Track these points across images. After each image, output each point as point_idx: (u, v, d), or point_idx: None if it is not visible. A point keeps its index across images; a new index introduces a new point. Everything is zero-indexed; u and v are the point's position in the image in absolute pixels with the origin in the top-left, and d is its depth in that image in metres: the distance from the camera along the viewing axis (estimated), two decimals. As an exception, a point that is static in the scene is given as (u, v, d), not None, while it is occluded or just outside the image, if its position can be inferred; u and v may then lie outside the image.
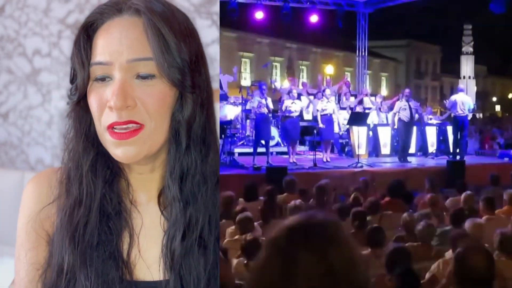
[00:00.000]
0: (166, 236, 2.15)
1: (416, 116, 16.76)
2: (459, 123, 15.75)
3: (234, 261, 5.37)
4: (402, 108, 15.35)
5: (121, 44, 2.07)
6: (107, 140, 2.09)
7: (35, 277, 2.18)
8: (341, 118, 15.38)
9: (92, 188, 2.14)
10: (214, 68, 4.02)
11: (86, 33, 2.14)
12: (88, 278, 2.08)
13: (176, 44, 2.10)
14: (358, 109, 15.68)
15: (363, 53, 21.19)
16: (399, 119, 15.38)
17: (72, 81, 2.20)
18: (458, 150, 15.51)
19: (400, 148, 15.30)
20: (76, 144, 2.20)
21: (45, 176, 2.32)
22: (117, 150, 2.07)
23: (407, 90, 16.51)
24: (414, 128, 16.39)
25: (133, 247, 2.17)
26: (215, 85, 3.80)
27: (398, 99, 16.33)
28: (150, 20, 2.07)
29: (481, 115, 43.29)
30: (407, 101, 15.62)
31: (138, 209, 2.23)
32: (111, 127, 2.05)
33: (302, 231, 1.43)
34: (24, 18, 4.99)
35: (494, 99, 62.69)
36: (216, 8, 4.03)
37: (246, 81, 31.19)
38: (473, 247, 3.42)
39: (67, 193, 2.19)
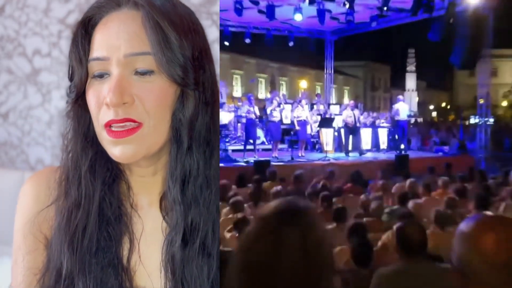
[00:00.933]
0: (166, 240, 1.77)
1: (369, 121, 16.92)
2: (400, 126, 15.85)
3: (228, 235, 5.39)
4: (349, 116, 15.31)
5: (118, 38, 1.71)
6: (105, 139, 1.72)
7: (33, 282, 1.80)
8: (313, 122, 15.40)
9: (91, 190, 1.77)
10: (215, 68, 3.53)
11: (84, 29, 1.78)
12: (87, 286, 1.72)
13: (177, 39, 1.72)
14: (327, 115, 15.73)
15: (330, 71, 21.19)
16: (346, 125, 15.32)
17: (70, 78, 1.83)
18: (402, 146, 15.57)
19: (345, 146, 15.27)
20: (74, 144, 1.82)
21: (43, 176, 1.92)
22: (115, 149, 1.70)
23: (351, 102, 16.57)
24: (370, 130, 16.54)
25: (134, 253, 1.79)
26: None
27: (345, 109, 16.41)
28: (149, 13, 1.71)
29: (421, 119, 43.38)
30: (352, 110, 15.59)
31: (139, 213, 1.84)
32: (108, 125, 1.69)
33: (284, 211, 1.46)
34: (24, 18, 4.33)
35: (432, 107, 62.80)
36: (216, 8, 3.43)
37: (237, 92, 31.03)
38: (410, 222, 3.48)
39: (66, 194, 1.81)
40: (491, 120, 18.36)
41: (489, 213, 1.55)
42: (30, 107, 4.74)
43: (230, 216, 6.25)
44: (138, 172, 1.84)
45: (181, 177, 1.75)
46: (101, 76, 1.72)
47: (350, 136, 15.38)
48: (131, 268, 1.78)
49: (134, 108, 1.68)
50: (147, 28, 1.70)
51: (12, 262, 1.87)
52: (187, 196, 1.75)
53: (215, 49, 3.38)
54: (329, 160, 13.77)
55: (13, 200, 1.94)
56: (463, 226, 1.47)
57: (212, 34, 3.36)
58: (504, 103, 52.74)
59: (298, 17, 14.89)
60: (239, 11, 13.94)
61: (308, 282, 1.44)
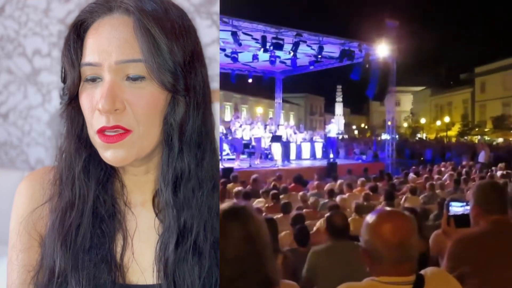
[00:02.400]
0: (160, 243, 1.47)
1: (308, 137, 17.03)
2: (331, 141, 15.91)
3: None
4: (284, 133, 15.32)
5: (110, 44, 1.40)
6: (97, 143, 1.43)
7: (27, 279, 1.51)
8: (267, 138, 15.38)
9: (85, 190, 1.47)
10: (213, 68, 2.92)
11: (76, 33, 1.47)
12: (80, 283, 1.43)
13: (168, 45, 1.41)
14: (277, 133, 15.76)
15: (279, 101, 21.26)
16: (283, 141, 15.20)
17: (63, 81, 1.53)
18: (332, 156, 15.69)
19: (283, 155, 15.10)
20: (68, 145, 1.51)
21: (37, 176, 1.59)
22: (106, 153, 1.42)
23: (286, 123, 16.67)
24: (308, 144, 16.64)
25: (127, 250, 1.49)
26: (215, 85, 2.88)
27: (286, 128, 16.49)
28: (139, 20, 1.40)
29: (346, 136, 43.89)
30: (285, 128, 15.74)
31: (132, 211, 1.53)
32: (100, 131, 1.41)
33: (228, 211, 1.42)
34: (24, 18, 3.56)
35: (354, 127, 63.78)
36: (216, 8, 2.82)
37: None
38: (335, 212, 3.48)
39: (60, 195, 1.50)
40: (396, 136, 18.66)
41: (387, 208, 1.60)
42: (30, 107, 3.89)
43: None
44: (131, 171, 1.53)
45: (172, 180, 1.45)
46: (93, 80, 1.42)
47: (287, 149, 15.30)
48: (124, 265, 1.47)
49: (125, 115, 1.39)
50: (138, 35, 1.39)
51: (8, 260, 1.56)
52: (179, 198, 1.45)
53: (215, 49, 2.85)
54: (278, 167, 13.78)
55: (13, 200, 1.65)
56: (368, 218, 1.53)
57: (212, 34, 2.84)
58: (405, 125, 53.78)
59: (255, 62, 14.96)
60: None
61: (254, 263, 1.39)
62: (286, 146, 15.05)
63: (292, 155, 15.52)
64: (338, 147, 18.49)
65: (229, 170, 11.69)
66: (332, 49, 14.53)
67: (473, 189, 2.31)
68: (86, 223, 1.44)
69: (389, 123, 16.89)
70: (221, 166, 12.67)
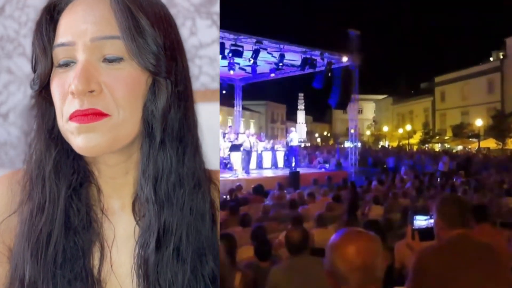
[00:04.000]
0: (139, 243, 1.36)
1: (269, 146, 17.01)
2: (293, 150, 15.97)
3: None
4: (245, 141, 15.24)
5: (85, 21, 1.29)
6: (68, 131, 1.30)
7: None
8: (225, 147, 15.25)
9: (55, 192, 1.34)
10: (214, 68, 2.87)
11: (50, 15, 1.39)
12: None
13: (149, 26, 1.31)
14: (236, 142, 15.64)
15: (239, 108, 21.25)
16: (244, 149, 15.07)
17: (34, 69, 1.40)
18: (294, 165, 15.72)
19: (245, 165, 14.95)
20: (38, 142, 1.39)
21: (4, 181, 1.47)
22: (78, 138, 1.28)
23: (247, 131, 16.65)
24: (270, 152, 16.61)
25: (105, 263, 1.38)
26: (215, 85, 2.78)
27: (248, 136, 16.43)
28: None
29: (309, 144, 44.26)
30: (248, 137, 15.39)
31: (110, 218, 1.41)
32: (73, 117, 1.28)
33: None
34: (24, 18, 3.61)
35: (316, 135, 64.51)
36: (216, 8, 2.79)
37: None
38: (293, 228, 3.43)
39: (29, 197, 1.38)
40: (359, 144, 18.90)
41: (351, 228, 1.57)
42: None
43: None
44: (108, 173, 1.42)
45: (153, 174, 1.36)
46: (66, 64, 1.30)
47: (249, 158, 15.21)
48: (102, 279, 1.37)
49: (102, 98, 1.28)
50: (116, 11, 1.29)
51: None
52: (160, 195, 1.36)
53: (215, 49, 2.90)
54: (237, 176, 13.67)
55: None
56: (332, 238, 1.48)
57: (212, 34, 2.83)
58: (368, 132, 54.72)
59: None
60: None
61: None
62: (248, 154, 14.96)
63: (253, 164, 15.43)
64: (301, 155, 18.56)
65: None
66: (293, 57, 14.64)
67: (437, 203, 2.35)
68: (58, 231, 1.33)
69: (352, 131, 17.11)
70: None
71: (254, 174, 14.81)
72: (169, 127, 1.37)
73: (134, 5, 1.31)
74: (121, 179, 1.42)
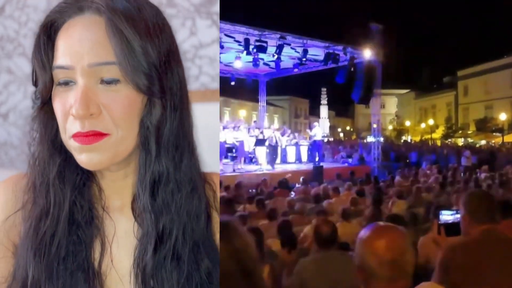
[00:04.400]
0: (138, 249, 1.41)
1: (293, 141, 16.99)
2: (317, 144, 15.93)
3: None
4: (271, 137, 15.28)
5: (81, 46, 1.33)
6: (72, 147, 1.36)
7: None
8: (250, 142, 15.31)
9: (61, 197, 1.39)
10: (214, 68, 2.83)
11: (47, 34, 1.39)
12: None
13: (141, 46, 1.35)
14: (260, 136, 15.69)
15: (263, 103, 21.19)
16: (269, 144, 15.21)
17: (34, 84, 1.45)
18: (317, 159, 15.69)
19: (270, 159, 15.03)
20: (41, 150, 1.43)
21: (10, 183, 1.52)
22: (81, 156, 1.35)
23: (273, 126, 16.68)
24: (294, 147, 16.59)
25: (105, 257, 1.43)
26: (215, 85, 2.76)
27: (273, 130, 16.43)
28: (111, 20, 1.33)
29: (332, 139, 44.07)
30: (273, 132, 15.63)
31: (110, 216, 1.47)
32: (75, 137, 1.34)
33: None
34: (24, 18, 3.55)
35: (339, 129, 64.09)
36: (216, 8, 2.75)
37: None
38: (322, 222, 3.42)
39: (33, 202, 1.42)
40: (381, 139, 18.74)
41: (380, 223, 1.55)
42: (30, 107, 3.36)
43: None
44: (109, 176, 1.48)
45: (150, 184, 1.40)
46: (66, 83, 1.36)
47: (273, 152, 15.24)
48: (103, 272, 1.42)
49: (101, 120, 1.33)
50: (110, 36, 1.33)
51: None
52: (158, 203, 1.40)
53: (215, 49, 2.83)
54: (262, 170, 13.69)
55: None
56: (361, 233, 1.48)
57: (212, 34, 2.79)
58: (390, 127, 54.18)
59: (237, 64, 14.90)
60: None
61: (240, 279, 1.36)
62: (274, 149, 14.99)
63: (277, 159, 15.44)
64: (324, 150, 18.50)
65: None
66: (316, 52, 14.56)
67: (464, 198, 2.32)
68: (61, 231, 1.38)
69: (375, 125, 16.97)
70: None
71: (278, 168, 14.79)
72: (165, 138, 1.41)
73: (127, 27, 1.34)
74: (121, 182, 1.48)
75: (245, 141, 14.71)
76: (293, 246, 4.10)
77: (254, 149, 15.26)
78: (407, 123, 51.38)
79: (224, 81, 19.06)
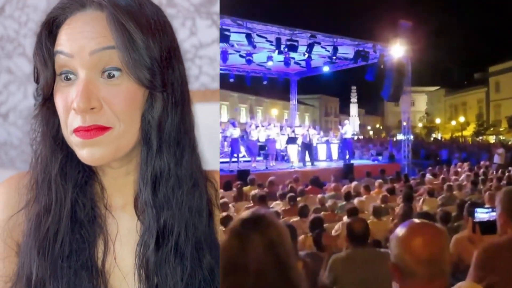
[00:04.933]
0: (139, 244, 1.40)
1: (324, 139, 16.90)
2: (347, 142, 15.79)
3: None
4: (304, 135, 15.21)
5: (83, 37, 1.32)
6: (73, 142, 1.34)
7: None
8: (282, 140, 15.27)
9: (62, 194, 1.37)
10: (214, 68, 2.79)
11: (48, 30, 1.39)
12: None
13: (143, 40, 1.34)
14: (292, 135, 15.66)
15: (294, 102, 21.09)
16: (302, 142, 15.14)
17: (36, 81, 1.44)
18: (347, 157, 15.56)
19: (303, 157, 14.93)
20: (43, 147, 1.42)
21: (13, 182, 1.50)
22: (83, 151, 1.33)
23: (306, 124, 16.62)
24: (324, 145, 16.50)
25: (108, 255, 1.41)
26: (215, 85, 2.70)
27: (308, 128, 16.34)
28: (113, 15, 1.32)
29: (362, 137, 43.69)
30: (307, 130, 15.49)
31: (113, 214, 1.45)
32: (76, 131, 1.32)
33: (248, 220, 1.37)
34: (24, 18, 3.47)
35: (369, 127, 63.48)
36: (216, 8, 2.73)
37: (224, 118, 30.72)
38: (355, 219, 3.39)
39: (35, 200, 1.41)
40: (411, 137, 18.46)
41: (416, 220, 1.48)
42: (30, 107, 3.10)
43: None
44: (111, 174, 1.45)
45: (152, 179, 1.39)
46: (67, 78, 1.34)
47: (305, 150, 15.20)
48: (106, 271, 1.40)
49: (103, 114, 1.32)
50: (112, 29, 1.32)
51: None
52: (159, 198, 1.39)
53: (215, 49, 2.78)
54: (294, 168, 13.66)
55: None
56: (397, 230, 1.42)
57: (212, 34, 2.75)
58: (420, 125, 53.40)
59: (269, 63, 14.91)
60: (225, 57, 13.88)
61: (278, 273, 1.34)
62: (309, 147, 14.94)
63: (308, 157, 15.38)
64: (354, 148, 18.34)
65: (245, 172, 11.66)
66: (346, 50, 14.43)
67: (500, 195, 2.23)
68: (64, 228, 1.36)
69: (405, 123, 16.72)
70: (237, 168, 12.62)
71: (309, 166, 14.72)
72: (166, 133, 1.39)
73: (129, 21, 1.33)
74: (123, 179, 1.46)
75: (277, 139, 14.69)
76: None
77: (286, 147, 15.24)
78: (437, 121, 50.54)
79: (257, 80, 19.10)
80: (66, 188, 1.38)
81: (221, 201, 6.26)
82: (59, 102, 1.36)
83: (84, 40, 1.32)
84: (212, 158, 1.59)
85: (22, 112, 3.64)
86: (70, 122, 1.33)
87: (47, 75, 1.37)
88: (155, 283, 1.38)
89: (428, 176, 10.74)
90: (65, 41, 1.35)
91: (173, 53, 1.44)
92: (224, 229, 4.98)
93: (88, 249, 1.38)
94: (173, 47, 1.45)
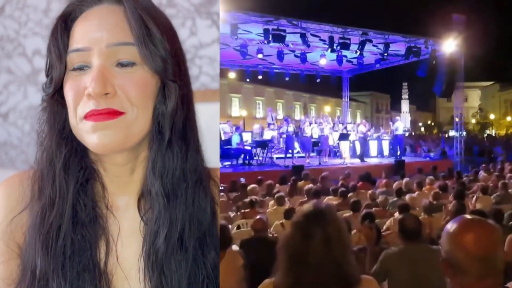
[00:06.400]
0: (148, 233, 1.36)
1: (375, 135, 16.62)
2: (398, 138, 15.48)
3: (274, 223, 5.09)
4: (363, 131, 15.02)
5: (100, 29, 1.31)
6: (82, 129, 1.30)
7: None
8: (334, 136, 15.11)
9: (65, 188, 1.34)
10: (214, 67, 2.69)
11: (64, 23, 1.36)
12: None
13: (159, 33, 1.35)
14: (344, 131, 15.50)
15: (346, 99, 20.84)
16: (360, 137, 15.11)
17: (47, 73, 1.40)
18: (399, 153, 15.24)
19: (361, 153, 14.83)
20: (49, 141, 1.38)
21: (14, 182, 1.45)
22: (93, 136, 1.28)
23: (363, 121, 16.40)
24: (376, 141, 16.23)
25: (110, 256, 1.37)
26: (215, 85, 2.65)
27: (359, 125, 16.11)
28: (132, 7, 1.33)
29: (413, 133, 42.55)
30: (364, 126, 15.35)
31: (115, 214, 1.40)
32: (88, 116, 1.29)
33: (312, 214, 1.41)
34: (24, 18, 3.34)
35: (420, 124, 61.70)
36: (216, 8, 2.66)
37: (280, 115, 30.80)
38: (408, 215, 3.34)
39: (40, 193, 1.37)
40: (464, 133, 17.84)
41: (468, 216, 1.40)
42: (30, 107, 3.48)
43: (275, 207, 6.12)
44: (114, 172, 1.41)
45: (161, 171, 1.36)
46: (80, 68, 1.33)
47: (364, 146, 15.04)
48: (109, 271, 1.36)
49: (117, 98, 1.30)
50: (130, 20, 1.32)
51: None
52: (167, 189, 1.37)
53: (215, 49, 2.66)
54: (346, 164, 13.53)
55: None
56: (448, 227, 1.34)
57: (212, 34, 2.65)
58: (473, 121, 51.38)
59: (322, 61, 14.79)
60: (280, 57, 13.91)
61: (334, 264, 1.37)
62: (365, 142, 14.71)
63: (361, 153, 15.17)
64: (405, 144, 17.92)
65: (299, 167, 11.66)
66: (398, 46, 14.11)
67: None
68: (67, 224, 1.33)
69: (457, 119, 16.17)
70: (292, 164, 12.64)
71: (359, 161, 14.52)
72: (176, 127, 1.38)
73: (146, 14, 1.34)
74: (127, 177, 1.42)
75: (329, 135, 14.61)
76: (377, 238, 4.05)
77: (338, 143, 15.10)
78: (491, 116, 48.48)
79: (310, 78, 19.03)
80: (68, 183, 1.35)
81: (277, 195, 6.32)
82: (69, 90, 1.34)
83: (101, 32, 1.32)
84: (212, 158, 1.57)
85: (22, 112, 3.55)
86: (82, 108, 1.31)
87: (61, 66, 1.35)
88: (160, 279, 1.35)
89: (482, 173, 10.36)
90: (81, 36, 1.34)
91: (180, 53, 1.46)
92: (283, 221, 5.02)
93: (90, 250, 1.35)
94: (180, 48, 1.47)
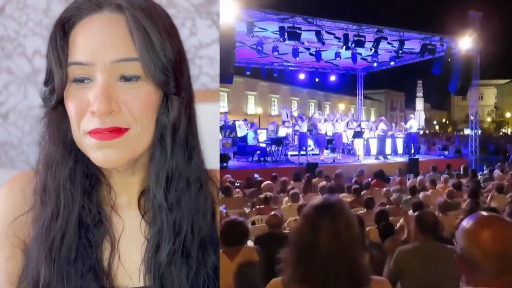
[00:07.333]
0: (149, 246, 1.36)
1: (389, 133, 16.51)
2: (412, 137, 15.39)
3: (288, 219, 5.11)
4: (383, 129, 14.98)
5: (103, 43, 1.25)
6: (87, 144, 1.28)
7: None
8: (349, 134, 15.04)
9: (70, 200, 1.32)
10: (214, 67, 2.66)
11: (62, 30, 1.29)
12: None
13: (161, 41, 1.29)
14: (358, 129, 15.42)
15: (360, 97, 20.73)
16: (378, 134, 15.03)
17: (47, 82, 1.35)
18: (413, 151, 15.10)
19: (379, 151, 14.78)
20: (53, 152, 1.35)
21: (18, 182, 1.44)
22: (98, 153, 1.26)
23: (383, 119, 16.30)
24: (390, 139, 16.11)
25: (115, 255, 1.37)
26: (215, 85, 2.63)
27: (379, 123, 15.98)
28: (134, 17, 1.26)
29: (427, 131, 42.16)
30: (385, 124, 15.29)
31: (119, 213, 1.40)
32: (92, 133, 1.26)
33: (320, 206, 1.41)
34: (24, 18, 3.29)
35: (435, 122, 61.09)
36: (217, 8, 2.62)
37: (294, 113, 30.73)
38: (425, 212, 3.30)
39: (43, 203, 1.34)
40: (479, 131, 17.61)
41: (484, 212, 1.37)
42: (30, 107, 3.44)
43: (289, 204, 6.12)
44: (117, 175, 1.40)
45: (165, 181, 1.35)
46: (82, 80, 1.27)
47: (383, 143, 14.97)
48: (113, 271, 1.36)
49: (121, 116, 1.26)
50: (133, 33, 1.26)
51: None
52: (170, 200, 1.35)
53: (215, 49, 2.62)
54: (360, 161, 13.49)
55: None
56: (464, 223, 1.32)
57: (212, 34, 2.62)
58: (488, 119, 50.78)
59: (337, 60, 14.74)
60: (295, 54, 13.88)
61: (343, 258, 1.37)
62: (383, 140, 14.70)
63: (373, 151, 15.07)
64: (419, 142, 17.76)
65: (313, 165, 11.64)
66: (413, 44, 13.97)
67: None
68: (71, 233, 1.31)
69: (472, 117, 15.97)
70: (305, 161, 12.62)
71: (373, 160, 14.45)
72: (179, 136, 1.36)
73: (148, 23, 1.28)
74: (129, 179, 1.41)
75: (343, 133, 14.54)
76: (390, 234, 4.04)
77: (352, 141, 15.03)
78: (507, 115, 47.77)
79: (325, 76, 18.95)
80: (74, 194, 1.33)
81: (292, 191, 6.32)
82: (72, 103, 1.29)
83: (105, 46, 1.26)
84: (212, 158, 1.56)
85: (22, 112, 3.51)
86: (85, 124, 1.27)
87: (62, 75, 1.29)
88: (160, 281, 1.35)
89: (497, 172, 10.23)
90: (82, 48, 1.28)
91: (182, 56, 1.40)
92: (297, 217, 5.01)
93: (95, 253, 1.34)
94: (181, 50, 1.41)
